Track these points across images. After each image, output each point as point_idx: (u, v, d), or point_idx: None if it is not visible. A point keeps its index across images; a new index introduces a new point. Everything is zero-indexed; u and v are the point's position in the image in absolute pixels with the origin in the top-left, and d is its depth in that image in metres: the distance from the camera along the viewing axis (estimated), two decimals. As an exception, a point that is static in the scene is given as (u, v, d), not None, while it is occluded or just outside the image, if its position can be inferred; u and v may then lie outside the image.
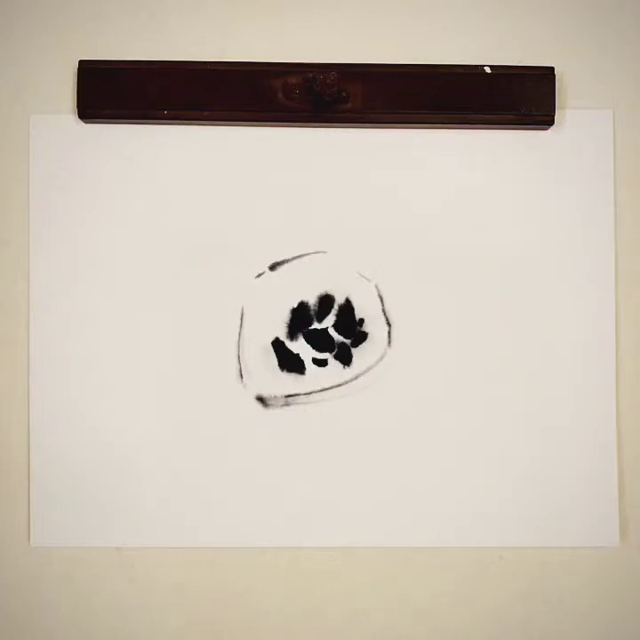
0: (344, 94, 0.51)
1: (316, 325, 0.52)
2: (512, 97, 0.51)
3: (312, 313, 0.52)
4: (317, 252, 0.52)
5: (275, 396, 0.52)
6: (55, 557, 0.52)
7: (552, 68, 0.52)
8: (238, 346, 0.52)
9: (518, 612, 0.52)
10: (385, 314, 0.52)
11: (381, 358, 0.51)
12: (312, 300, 0.52)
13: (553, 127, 0.52)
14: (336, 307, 0.52)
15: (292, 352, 0.52)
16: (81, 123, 0.52)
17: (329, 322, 0.52)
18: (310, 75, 0.51)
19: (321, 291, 0.52)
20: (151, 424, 0.52)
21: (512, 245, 0.52)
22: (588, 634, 0.52)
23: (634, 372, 0.53)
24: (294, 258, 0.52)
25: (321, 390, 0.52)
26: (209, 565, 0.52)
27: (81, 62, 0.51)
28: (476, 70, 0.51)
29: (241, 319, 0.52)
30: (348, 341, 0.52)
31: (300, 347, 0.52)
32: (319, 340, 0.52)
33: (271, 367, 0.52)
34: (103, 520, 0.51)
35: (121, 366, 0.52)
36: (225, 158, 0.52)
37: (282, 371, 0.52)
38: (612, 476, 0.52)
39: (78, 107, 0.51)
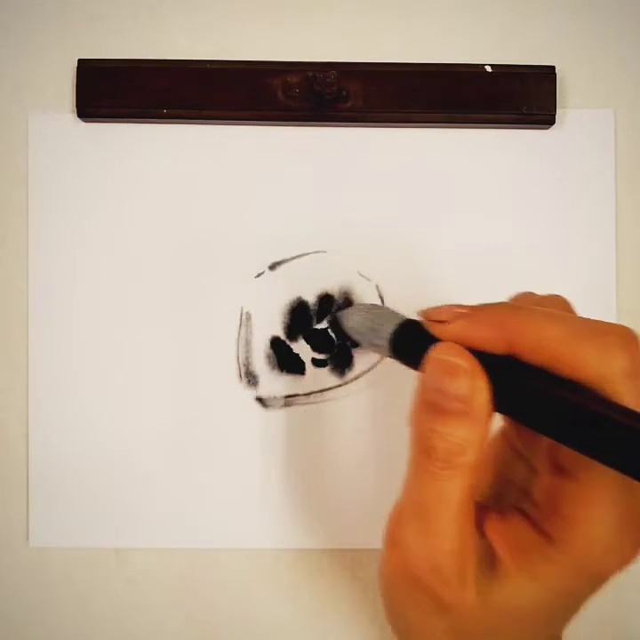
0: (344, 93, 0.51)
1: (315, 325, 0.52)
2: (513, 96, 0.51)
3: (312, 313, 0.52)
4: (317, 252, 0.52)
5: (274, 397, 0.51)
6: (54, 558, 0.52)
7: (553, 67, 0.51)
8: (238, 346, 0.52)
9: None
10: (385, 314, 0.52)
11: (382, 359, 0.51)
12: (312, 300, 0.52)
13: (554, 126, 0.52)
14: (336, 307, 0.52)
15: (291, 352, 0.52)
16: (80, 122, 0.52)
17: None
18: (310, 73, 0.50)
19: (321, 290, 0.52)
20: (150, 424, 0.51)
21: (512, 245, 0.52)
22: (587, 633, 0.52)
23: (634, 373, 0.52)
24: (294, 257, 0.52)
25: (321, 391, 0.51)
26: (209, 566, 0.52)
27: (80, 61, 0.51)
28: (476, 69, 0.51)
29: (240, 319, 0.52)
30: (348, 342, 0.51)
31: (300, 347, 0.52)
32: (319, 341, 0.51)
33: (271, 367, 0.52)
34: (103, 520, 0.51)
35: (120, 366, 0.52)
36: (225, 157, 0.52)
37: (281, 371, 0.52)
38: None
39: (77, 105, 0.51)
